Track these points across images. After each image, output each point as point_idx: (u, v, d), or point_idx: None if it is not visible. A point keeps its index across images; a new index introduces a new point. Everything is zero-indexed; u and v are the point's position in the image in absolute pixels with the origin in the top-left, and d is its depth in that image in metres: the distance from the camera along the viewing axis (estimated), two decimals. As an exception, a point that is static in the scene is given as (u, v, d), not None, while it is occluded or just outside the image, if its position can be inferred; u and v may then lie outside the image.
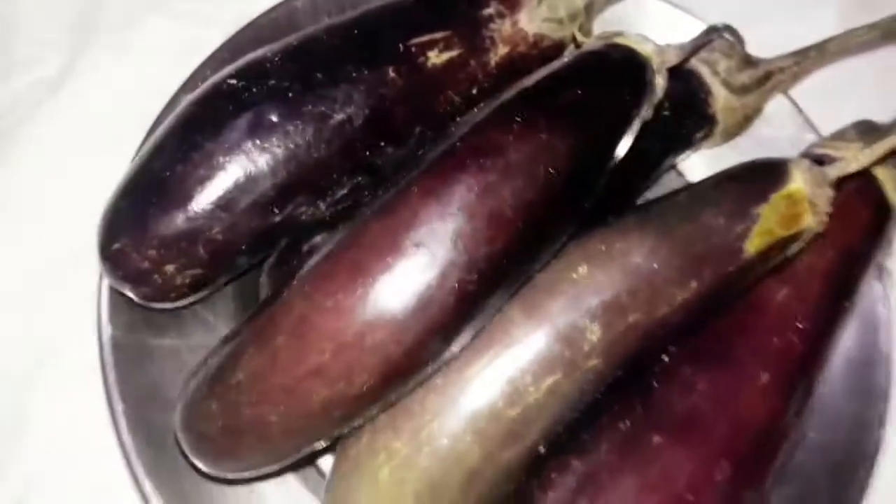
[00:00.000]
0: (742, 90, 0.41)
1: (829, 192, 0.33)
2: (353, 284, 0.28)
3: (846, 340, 0.40)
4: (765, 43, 0.42)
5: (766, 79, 0.41)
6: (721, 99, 0.40)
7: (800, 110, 0.44)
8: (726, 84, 0.40)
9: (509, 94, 0.31)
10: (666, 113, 0.39)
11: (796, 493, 0.39)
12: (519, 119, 0.30)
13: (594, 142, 0.31)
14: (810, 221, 0.33)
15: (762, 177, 0.33)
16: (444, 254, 0.28)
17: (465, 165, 0.29)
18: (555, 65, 0.33)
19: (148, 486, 0.34)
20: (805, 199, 0.33)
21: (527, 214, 0.29)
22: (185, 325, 0.38)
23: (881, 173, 0.38)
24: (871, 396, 0.40)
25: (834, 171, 0.34)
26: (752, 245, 0.32)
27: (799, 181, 0.33)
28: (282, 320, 0.28)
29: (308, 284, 0.29)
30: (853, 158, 0.34)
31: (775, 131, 0.44)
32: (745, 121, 0.42)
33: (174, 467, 0.35)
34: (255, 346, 0.29)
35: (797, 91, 0.45)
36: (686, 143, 0.41)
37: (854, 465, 0.39)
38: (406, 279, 0.28)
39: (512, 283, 0.31)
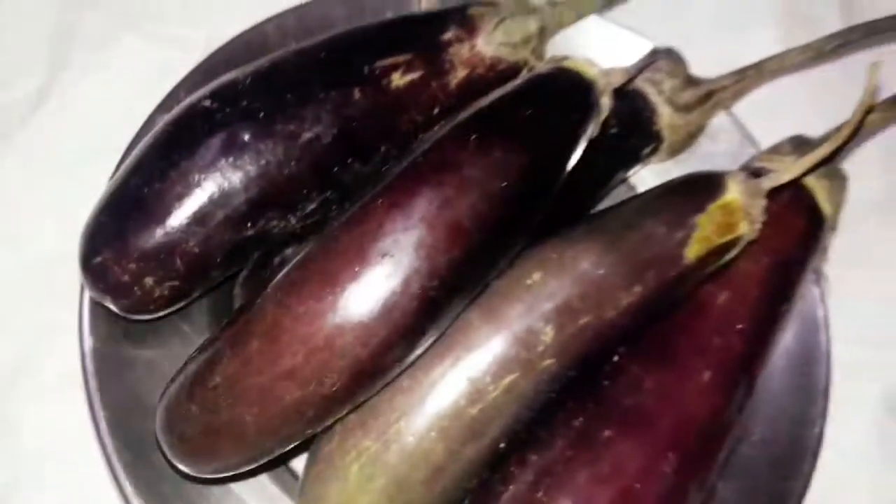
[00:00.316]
0: (686, 108, 0.43)
1: (763, 202, 0.36)
2: (323, 291, 0.30)
3: (788, 341, 0.43)
4: (709, 63, 0.45)
5: (708, 97, 0.44)
6: (666, 117, 0.43)
7: (741, 127, 0.47)
8: (671, 103, 0.43)
9: (466, 113, 0.34)
10: (614, 130, 0.41)
11: (742, 486, 0.41)
12: (474, 137, 0.32)
13: (544, 158, 0.34)
14: (745, 229, 0.36)
15: (700, 188, 0.36)
16: (407, 262, 0.30)
17: (425, 180, 0.31)
18: (507, 87, 0.35)
19: (129, 488, 0.36)
20: (740, 209, 0.35)
21: (482, 225, 0.31)
22: (162, 336, 0.39)
23: (814, 184, 0.41)
24: (811, 394, 0.42)
25: (767, 183, 0.37)
26: (692, 251, 0.35)
27: (734, 192, 0.36)
28: (256, 326, 0.31)
29: (280, 292, 0.31)
30: (785, 170, 0.37)
31: (718, 147, 0.47)
32: (690, 137, 0.45)
33: (154, 471, 0.37)
34: (232, 350, 0.31)
35: (739, 108, 0.48)
36: (634, 158, 0.44)
37: (797, 459, 0.41)
38: (372, 286, 0.30)
39: (471, 288, 0.33)
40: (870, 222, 0.51)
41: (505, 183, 0.32)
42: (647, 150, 0.44)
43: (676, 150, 0.45)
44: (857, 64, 0.52)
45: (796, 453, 0.41)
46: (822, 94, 0.51)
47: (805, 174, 0.37)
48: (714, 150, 0.47)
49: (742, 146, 0.47)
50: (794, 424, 0.42)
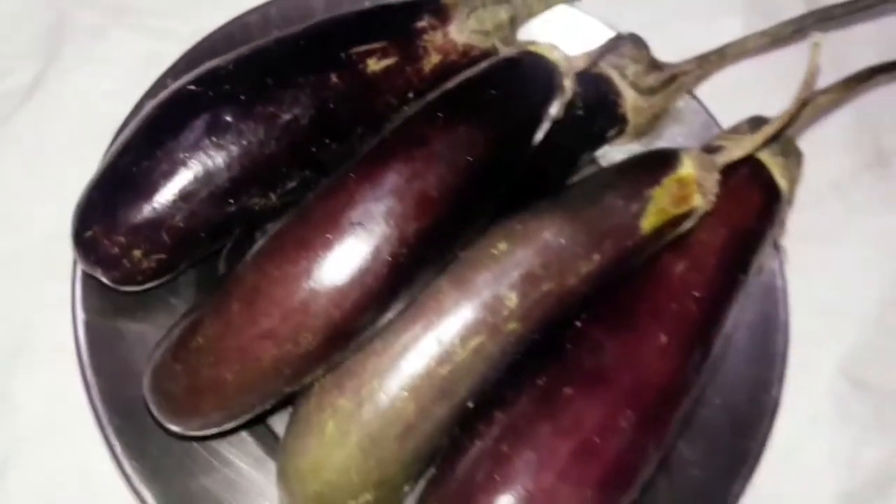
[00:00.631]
0: (649, 91, 0.46)
1: (716, 176, 0.38)
2: (298, 257, 0.32)
3: (748, 312, 0.45)
4: (677, 51, 0.47)
5: (672, 81, 0.46)
6: (630, 100, 0.45)
7: (706, 110, 0.50)
8: (635, 86, 0.45)
9: (434, 94, 0.36)
10: (580, 113, 0.44)
11: (705, 447, 0.43)
12: (441, 115, 0.34)
13: (508, 135, 0.36)
14: (699, 202, 0.38)
15: (656, 163, 0.38)
16: (377, 230, 0.32)
17: (394, 155, 0.33)
18: (474, 69, 0.37)
19: (119, 449, 0.38)
20: (694, 182, 0.38)
21: (449, 196, 0.34)
22: (151, 309, 0.41)
23: (769, 160, 0.43)
24: (770, 360, 0.45)
25: (721, 158, 0.39)
26: (648, 223, 0.37)
27: (689, 166, 0.38)
28: (236, 290, 0.33)
29: (259, 258, 0.33)
30: (738, 146, 0.39)
31: (683, 129, 0.49)
32: (654, 119, 0.47)
33: (143, 434, 0.39)
34: (213, 313, 0.33)
35: (705, 93, 0.50)
36: (600, 139, 0.46)
37: (755, 421, 0.43)
38: (345, 252, 0.32)
39: (439, 256, 0.35)
40: (831, 200, 0.53)
41: (470, 157, 0.34)
42: (612, 132, 0.46)
43: (642, 132, 0.47)
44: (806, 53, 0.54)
45: (755, 415, 0.43)
46: (784, 78, 0.53)
47: (756, 150, 0.39)
48: (679, 133, 0.49)
49: (706, 128, 0.49)
50: (754, 389, 0.44)
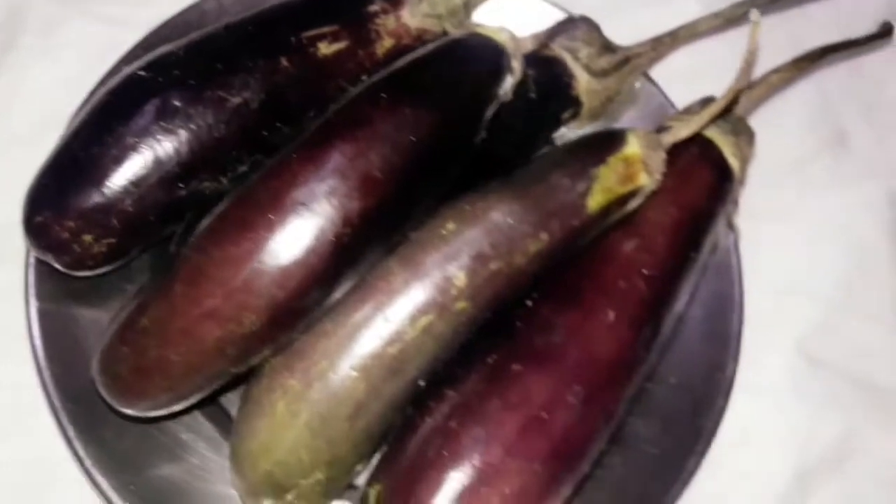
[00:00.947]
0: (603, 74, 0.46)
1: (662, 155, 0.39)
2: (241, 237, 0.32)
3: (703, 291, 0.46)
4: (636, 35, 0.47)
5: (625, 63, 0.46)
6: (584, 82, 0.45)
7: (662, 92, 0.50)
8: (587, 69, 0.45)
9: (379, 75, 0.36)
10: (532, 95, 0.44)
11: (660, 425, 0.44)
12: (385, 95, 0.35)
13: (454, 115, 0.36)
14: (645, 180, 0.38)
15: (603, 142, 0.39)
16: (320, 210, 0.33)
17: (337, 135, 0.34)
18: (420, 50, 0.38)
19: (72, 433, 0.38)
20: (639, 161, 0.38)
21: (394, 176, 0.34)
22: (105, 295, 0.41)
23: (720, 140, 0.43)
24: (725, 339, 0.45)
25: (668, 137, 0.39)
26: (594, 201, 0.38)
27: (634, 145, 0.38)
28: (179, 271, 0.33)
29: (202, 240, 0.33)
30: (685, 125, 0.40)
31: (640, 112, 0.50)
32: (609, 102, 0.47)
33: (97, 418, 0.39)
34: (158, 294, 0.33)
35: (662, 75, 0.51)
36: (554, 122, 0.46)
37: (710, 398, 0.44)
38: (287, 232, 0.32)
39: (385, 236, 0.35)
40: (790, 180, 0.53)
41: (414, 138, 0.34)
42: (566, 115, 0.46)
43: (597, 115, 0.48)
44: (772, 32, 0.55)
45: (710, 394, 0.44)
46: (739, 61, 0.54)
47: (703, 128, 0.40)
48: (636, 115, 0.50)
49: (662, 111, 0.49)
50: (709, 368, 0.45)
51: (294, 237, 0.32)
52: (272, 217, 0.32)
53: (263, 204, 0.33)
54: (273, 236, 0.32)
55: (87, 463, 0.38)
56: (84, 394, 0.39)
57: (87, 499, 0.40)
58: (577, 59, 0.45)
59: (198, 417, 0.41)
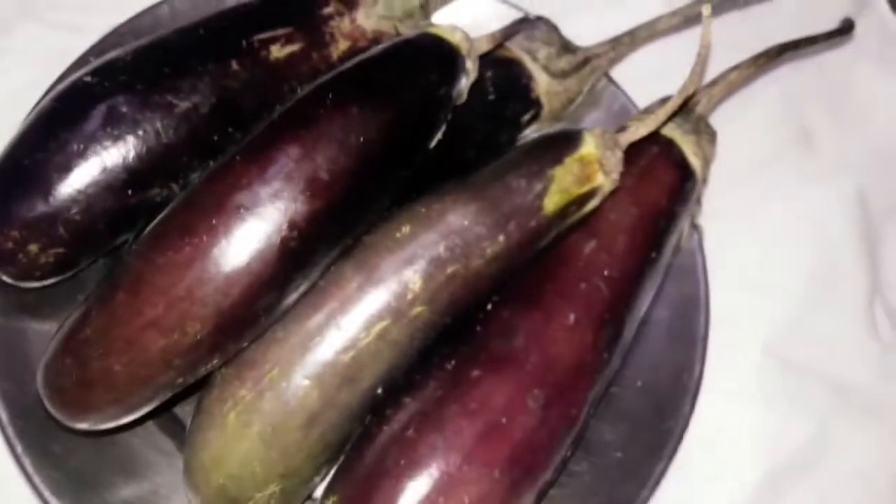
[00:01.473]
0: (562, 75, 0.45)
1: (619, 155, 0.38)
2: (182, 243, 0.31)
3: (669, 293, 0.45)
4: (597, 35, 0.47)
5: (585, 63, 0.46)
6: (543, 84, 0.45)
7: (624, 93, 0.50)
8: (547, 70, 0.45)
9: (327, 76, 0.36)
10: (491, 97, 0.43)
11: (627, 430, 0.43)
12: (332, 96, 0.34)
13: (404, 116, 0.36)
14: (602, 180, 0.38)
15: (559, 143, 0.38)
16: (264, 214, 0.32)
17: (282, 137, 0.33)
18: (371, 51, 0.37)
19: (20, 449, 0.37)
20: (596, 161, 0.37)
21: (342, 178, 0.33)
22: (57, 307, 0.40)
23: (681, 139, 0.43)
24: (691, 340, 0.45)
25: (625, 137, 0.39)
26: (551, 202, 0.37)
27: (590, 145, 0.38)
28: (121, 279, 0.32)
29: (144, 246, 0.32)
30: (642, 124, 0.39)
31: (602, 114, 0.49)
32: (570, 103, 0.47)
33: (47, 434, 0.38)
34: (100, 304, 0.32)
35: (624, 76, 0.50)
36: (515, 124, 0.45)
37: (677, 401, 0.43)
38: (230, 238, 0.32)
39: (335, 240, 0.34)
40: (756, 179, 0.53)
41: (363, 139, 0.34)
42: (527, 116, 0.45)
43: (558, 117, 0.47)
44: (736, 29, 0.55)
45: (677, 396, 0.43)
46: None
47: (660, 126, 0.39)
48: (598, 117, 0.49)
49: (625, 112, 0.49)
50: (675, 370, 0.44)
51: (238, 242, 0.32)
52: (215, 222, 0.31)
53: (206, 208, 0.32)
54: (216, 242, 0.31)
55: (36, 480, 0.37)
56: (34, 409, 0.38)
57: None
58: (535, 59, 0.45)
59: (154, 432, 0.40)
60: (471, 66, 0.38)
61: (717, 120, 0.46)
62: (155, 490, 0.40)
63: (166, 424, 0.41)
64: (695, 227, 0.46)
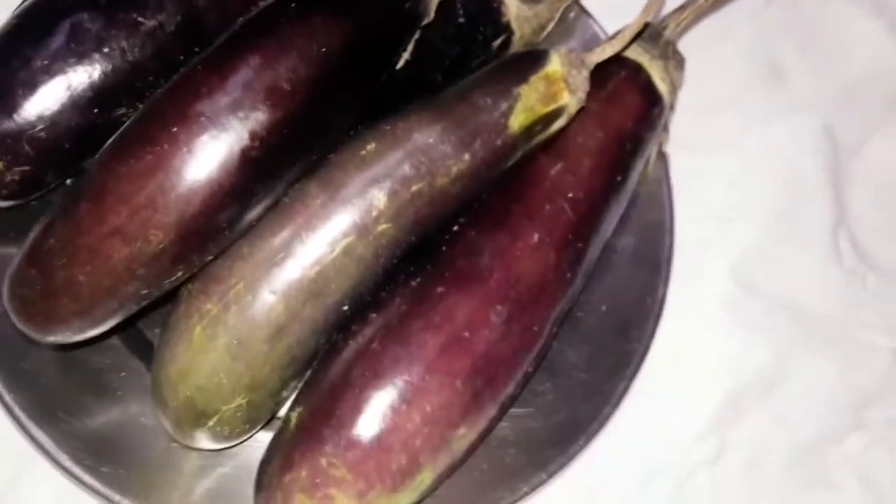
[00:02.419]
0: (533, 0, 0.45)
1: (586, 74, 0.38)
2: (143, 151, 0.31)
3: (636, 221, 0.46)
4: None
5: (555, -11, 0.46)
6: (514, 8, 0.45)
7: (596, 22, 0.50)
8: (516, -6, 0.45)
9: (291, -14, 0.35)
10: (461, 20, 0.43)
11: (591, 351, 0.44)
12: (295, 6, 0.34)
13: (368, 29, 0.35)
14: (567, 99, 0.38)
15: (525, 61, 0.38)
16: (225, 122, 0.32)
17: (244, 45, 0.33)
18: (333, -35, 0.37)
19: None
20: (561, 79, 0.38)
21: (303, 88, 0.33)
22: (24, 229, 0.40)
23: (648, 64, 0.43)
24: (655, 264, 0.45)
25: (591, 57, 0.39)
26: (517, 121, 0.37)
27: (556, 64, 0.38)
28: (84, 189, 0.32)
29: (106, 156, 0.32)
30: (608, 45, 0.39)
31: (573, 42, 0.49)
32: (541, 30, 0.47)
33: (17, 351, 0.38)
34: (64, 213, 0.32)
35: (594, 6, 0.50)
36: (485, 49, 0.45)
37: (640, 322, 0.44)
38: (191, 146, 0.32)
39: (298, 153, 0.35)
40: (727, 111, 0.53)
41: (324, 49, 0.34)
42: (497, 42, 0.45)
43: (530, 44, 0.47)
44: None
45: (640, 318, 0.44)
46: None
47: (625, 47, 0.39)
48: (571, 46, 0.49)
49: (596, 41, 0.49)
50: (639, 293, 0.45)
51: (199, 151, 0.32)
52: (175, 130, 0.31)
53: (167, 117, 0.32)
54: (177, 150, 0.31)
55: (7, 399, 0.37)
56: (1, 327, 0.38)
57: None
58: (506, -17, 0.44)
59: (125, 353, 0.40)
60: (438, -16, 0.38)
61: (690, 52, 0.46)
62: (129, 417, 0.40)
63: (137, 346, 0.41)
64: (662, 154, 0.46)
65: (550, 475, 0.40)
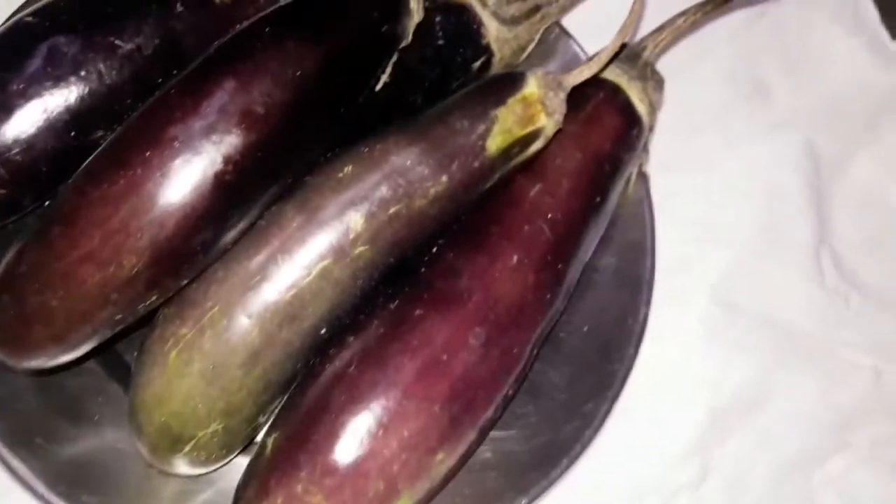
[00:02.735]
0: (513, 21, 0.45)
1: (563, 96, 0.38)
2: (116, 176, 0.31)
3: (617, 241, 0.46)
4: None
5: (535, 11, 0.46)
6: (493, 30, 0.45)
7: (577, 42, 0.50)
8: (496, 16, 0.45)
9: (265, 11, 0.35)
10: (441, 42, 0.43)
11: (573, 372, 0.44)
12: (269, 30, 0.34)
13: (344, 53, 0.36)
14: (544, 121, 0.38)
15: (502, 84, 0.38)
16: (199, 146, 0.32)
17: (217, 68, 0.33)
18: (311, -13, 0.37)
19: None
20: (538, 102, 0.38)
21: (277, 112, 0.33)
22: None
23: (626, 85, 0.43)
24: (637, 285, 0.45)
25: (568, 79, 0.39)
26: (494, 143, 0.37)
27: (533, 86, 0.38)
28: (57, 213, 0.32)
29: (79, 180, 0.32)
30: (586, 67, 0.39)
31: (552, 65, 0.49)
32: (521, 51, 0.47)
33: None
34: (36, 238, 0.32)
35: (575, 27, 0.50)
36: (465, 71, 0.45)
37: (622, 344, 0.44)
38: (164, 170, 0.31)
39: (272, 177, 0.35)
40: (708, 130, 0.54)
41: (299, 72, 0.34)
42: (477, 64, 0.45)
43: (509, 65, 0.47)
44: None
45: (622, 339, 0.44)
46: (655, 13, 0.54)
47: (602, 68, 0.40)
48: (551, 68, 0.49)
49: (576, 62, 0.49)
50: (621, 314, 0.45)
51: (172, 175, 0.32)
52: (149, 154, 0.31)
53: (140, 141, 0.32)
54: (150, 175, 0.31)
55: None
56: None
57: None
58: (485, 5, 0.45)
59: (102, 377, 0.40)
60: (414, 5, 0.38)
61: (670, 72, 0.46)
62: (108, 443, 0.40)
63: (116, 370, 0.41)
64: (643, 174, 0.46)
65: (532, 499, 0.40)
